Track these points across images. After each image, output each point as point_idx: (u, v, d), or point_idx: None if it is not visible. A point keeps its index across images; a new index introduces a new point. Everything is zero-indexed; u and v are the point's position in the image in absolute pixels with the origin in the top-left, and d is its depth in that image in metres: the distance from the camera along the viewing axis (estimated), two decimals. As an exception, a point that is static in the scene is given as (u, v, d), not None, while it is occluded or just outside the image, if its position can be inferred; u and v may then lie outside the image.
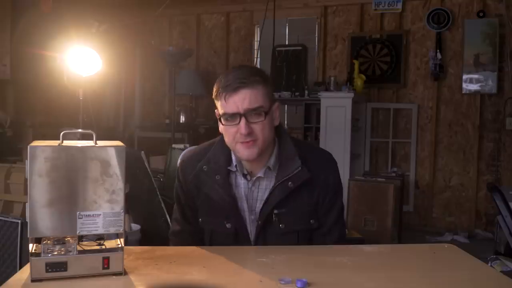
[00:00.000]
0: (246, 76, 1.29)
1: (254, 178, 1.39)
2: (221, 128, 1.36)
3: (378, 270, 1.18)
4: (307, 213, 1.38)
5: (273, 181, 1.37)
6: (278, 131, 1.41)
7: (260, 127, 1.30)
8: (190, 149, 1.54)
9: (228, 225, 1.37)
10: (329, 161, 1.44)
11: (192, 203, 1.44)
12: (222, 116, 1.32)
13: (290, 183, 1.34)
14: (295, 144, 1.41)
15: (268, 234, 1.37)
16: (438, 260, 1.29)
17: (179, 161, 1.53)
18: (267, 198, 1.36)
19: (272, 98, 1.35)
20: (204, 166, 1.38)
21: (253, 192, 1.39)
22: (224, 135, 1.37)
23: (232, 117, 1.30)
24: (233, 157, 1.39)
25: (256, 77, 1.30)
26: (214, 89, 1.33)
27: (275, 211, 1.36)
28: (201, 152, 1.44)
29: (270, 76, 1.40)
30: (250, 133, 1.29)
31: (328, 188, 1.39)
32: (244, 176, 1.39)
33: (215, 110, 1.38)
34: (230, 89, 1.28)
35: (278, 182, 1.35)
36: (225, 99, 1.29)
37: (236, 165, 1.38)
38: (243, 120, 1.28)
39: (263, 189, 1.39)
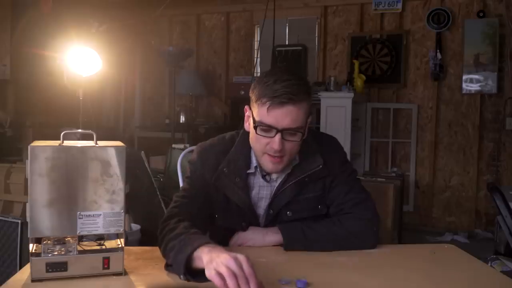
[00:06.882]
0: (296, 92, 1.23)
1: (274, 176, 1.39)
2: (248, 128, 1.35)
3: (378, 270, 1.18)
4: (315, 200, 1.40)
5: (288, 172, 1.38)
6: None
7: (292, 145, 1.29)
8: (206, 142, 1.46)
9: (243, 224, 1.39)
10: (336, 148, 1.46)
11: (205, 189, 1.39)
12: (258, 124, 1.27)
13: (306, 179, 1.37)
14: (313, 136, 1.41)
15: (276, 222, 1.38)
16: (438, 260, 1.29)
17: (195, 152, 1.45)
18: (282, 191, 1.37)
19: (309, 113, 1.31)
20: (225, 168, 1.37)
21: (271, 188, 1.40)
22: (252, 140, 1.34)
23: (268, 129, 1.26)
24: (253, 159, 1.38)
25: (305, 94, 1.26)
26: (256, 91, 1.28)
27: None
28: (220, 148, 1.41)
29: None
30: (281, 149, 1.27)
31: (335, 172, 1.40)
32: (263, 177, 1.40)
33: (246, 106, 1.35)
34: (276, 101, 1.22)
35: (296, 178, 1.36)
36: (267, 110, 1.24)
37: (256, 167, 1.38)
38: (278, 136, 1.25)
39: (279, 181, 1.39)
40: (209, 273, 0.96)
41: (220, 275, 0.94)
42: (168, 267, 1.11)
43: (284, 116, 1.24)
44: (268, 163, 1.32)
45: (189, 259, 1.03)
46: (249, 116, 1.34)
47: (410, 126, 4.76)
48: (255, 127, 1.28)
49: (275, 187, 1.39)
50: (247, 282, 0.93)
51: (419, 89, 4.74)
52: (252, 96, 1.30)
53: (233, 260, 0.95)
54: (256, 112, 1.28)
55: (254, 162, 1.38)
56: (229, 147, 1.41)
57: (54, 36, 3.89)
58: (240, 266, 0.95)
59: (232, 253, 0.98)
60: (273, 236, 1.34)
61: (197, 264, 1.03)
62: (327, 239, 1.32)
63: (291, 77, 1.27)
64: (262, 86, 1.26)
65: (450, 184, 4.66)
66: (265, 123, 1.25)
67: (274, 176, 1.40)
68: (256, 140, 1.31)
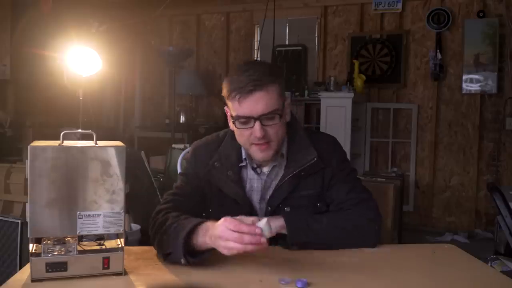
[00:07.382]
0: (259, 76, 1.25)
1: (265, 170, 1.40)
2: (233, 127, 1.35)
3: (378, 270, 1.18)
4: (314, 198, 1.40)
5: (283, 167, 1.39)
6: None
7: (274, 130, 1.30)
8: (201, 140, 1.50)
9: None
10: (335, 146, 1.46)
11: (199, 188, 1.41)
12: (235, 119, 1.29)
13: (302, 173, 1.37)
14: (305, 131, 1.42)
15: None
16: (438, 260, 1.29)
17: (190, 150, 1.49)
18: (279, 187, 1.37)
19: (284, 95, 1.33)
20: (216, 163, 1.39)
21: (265, 181, 1.40)
22: (236, 136, 1.36)
23: (246, 120, 1.28)
24: (243, 152, 1.40)
25: (270, 76, 1.27)
26: (225, 89, 1.30)
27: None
28: (213, 145, 1.44)
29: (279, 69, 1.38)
30: (264, 136, 1.28)
31: (333, 170, 1.40)
32: (254, 169, 1.40)
33: (225, 107, 1.36)
34: (244, 91, 1.24)
35: (291, 172, 1.36)
36: (238, 102, 1.26)
37: (245, 159, 1.39)
38: (257, 124, 1.27)
39: (274, 176, 1.40)
40: (228, 252, 1.07)
41: (233, 248, 1.06)
42: (167, 257, 1.15)
43: (256, 103, 1.25)
44: (257, 152, 1.33)
45: (188, 244, 1.12)
46: (230, 115, 1.35)
47: (410, 126, 4.76)
48: (234, 122, 1.31)
49: (264, 180, 1.40)
50: (245, 234, 1.05)
51: (419, 89, 4.74)
52: (224, 94, 1.32)
53: (226, 231, 1.07)
54: (231, 108, 1.31)
55: (244, 155, 1.40)
56: (220, 142, 1.43)
57: (54, 36, 3.89)
58: (232, 229, 1.06)
59: (218, 225, 1.10)
60: (277, 221, 1.28)
61: (199, 248, 1.13)
62: (329, 231, 1.30)
63: (254, 65, 1.32)
64: (230, 81, 1.29)
65: (450, 184, 4.65)
66: (241, 115, 1.28)
67: (265, 169, 1.41)
68: (240, 134, 1.33)
